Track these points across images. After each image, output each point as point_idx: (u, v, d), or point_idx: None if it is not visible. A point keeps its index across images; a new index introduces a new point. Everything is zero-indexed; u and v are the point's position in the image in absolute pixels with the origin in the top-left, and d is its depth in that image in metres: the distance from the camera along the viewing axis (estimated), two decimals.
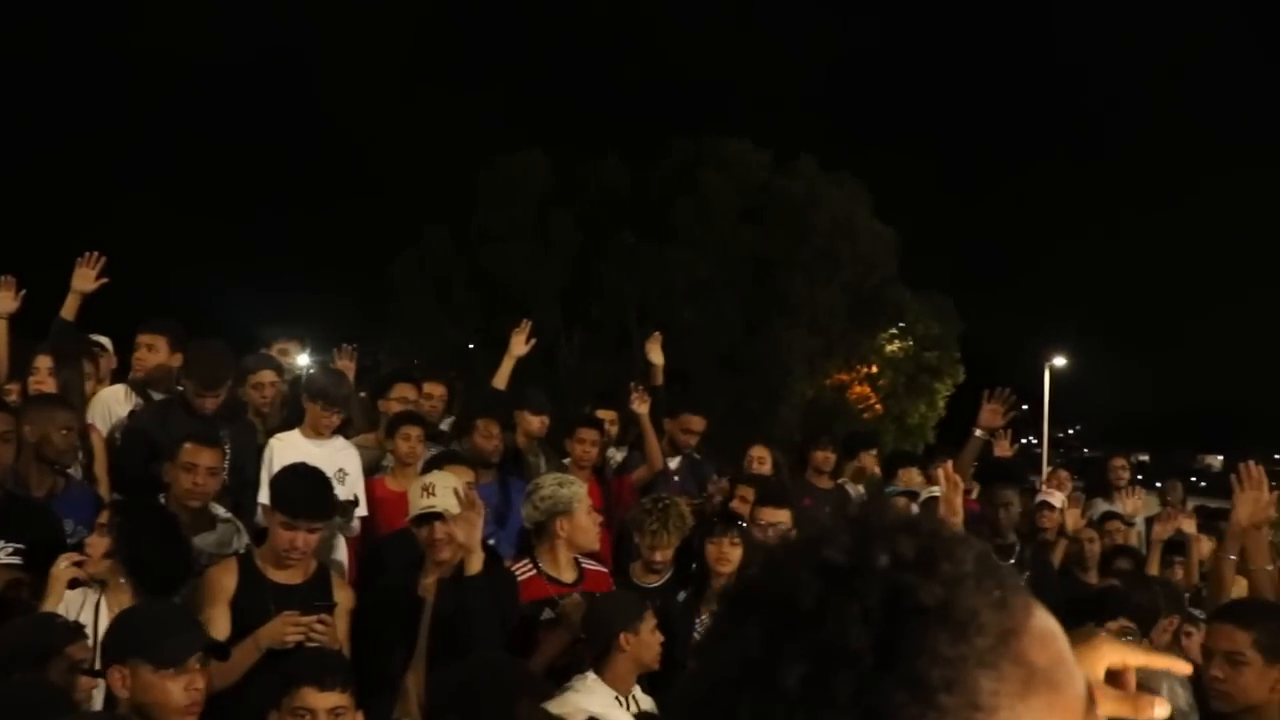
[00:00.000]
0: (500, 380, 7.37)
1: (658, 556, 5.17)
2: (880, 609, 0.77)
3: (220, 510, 5.05)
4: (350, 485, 5.74)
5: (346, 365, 7.24)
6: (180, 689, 3.15)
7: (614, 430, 7.66)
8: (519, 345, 7.48)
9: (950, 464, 5.09)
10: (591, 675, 4.03)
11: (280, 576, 4.31)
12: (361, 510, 5.79)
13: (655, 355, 7.94)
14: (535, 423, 7.15)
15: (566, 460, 6.98)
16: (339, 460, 5.69)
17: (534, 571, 4.82)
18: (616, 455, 7.50)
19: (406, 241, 33.34)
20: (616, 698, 3.99)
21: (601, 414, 7.58)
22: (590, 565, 5.00)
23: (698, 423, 7.62)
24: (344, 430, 6.10)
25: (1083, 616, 4.27)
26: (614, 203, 32.12)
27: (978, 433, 6.80)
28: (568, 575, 4.84)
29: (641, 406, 6.93)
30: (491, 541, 5.52)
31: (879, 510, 0.86)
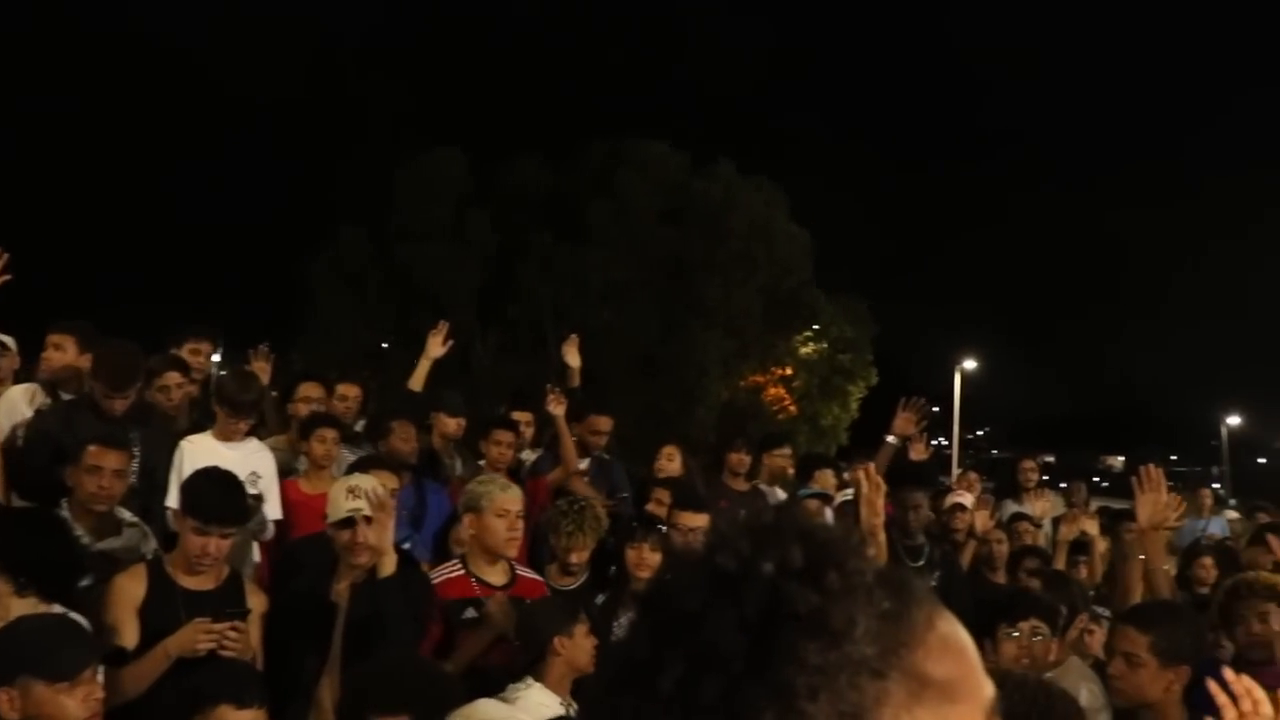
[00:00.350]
0: (416, 382, 7.31)
1: (573, 558, 5.17)
2: (757, 616, 0.78)
3: (126, 514, 4.93)
4: (264, 489, 5.65)
5: (261, 367, 7.13)
6: (77, 702, 3.06)
7: (529, 432, 7.63)
8: (436, 347, 7.42)
9: (871, 466, 5.15)
10: (534, 682, 4.01)
11: (191, 582, 4.23)
12: (275, 514, 5.70)
13: (572, 357, 7.93)
14: (452, 425, 7.12)
15: (482, 462, 6.95)
16: (253, 463, 5.59)
17: (462, 571, 4.79)
18: (531, 457, 7.48)
19: (322, 240, 32.96)
20: (561, 703, 3.99)
21: (517, 416, 7.55)
22: (526, 573, 4.94)
23: (605, 423, 7.62)
24: (256, 432, 6.01)
25: (993, 617, 4.35)
26: (532, 203, 32.08)
27: (891, 438, 6.88)
28: (496, 578, 4.78)
29: (558, 409, 6.91)
30: (407, 545, 5.48)
31: (783, 517, 0.87)
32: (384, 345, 31.79)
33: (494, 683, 4.09)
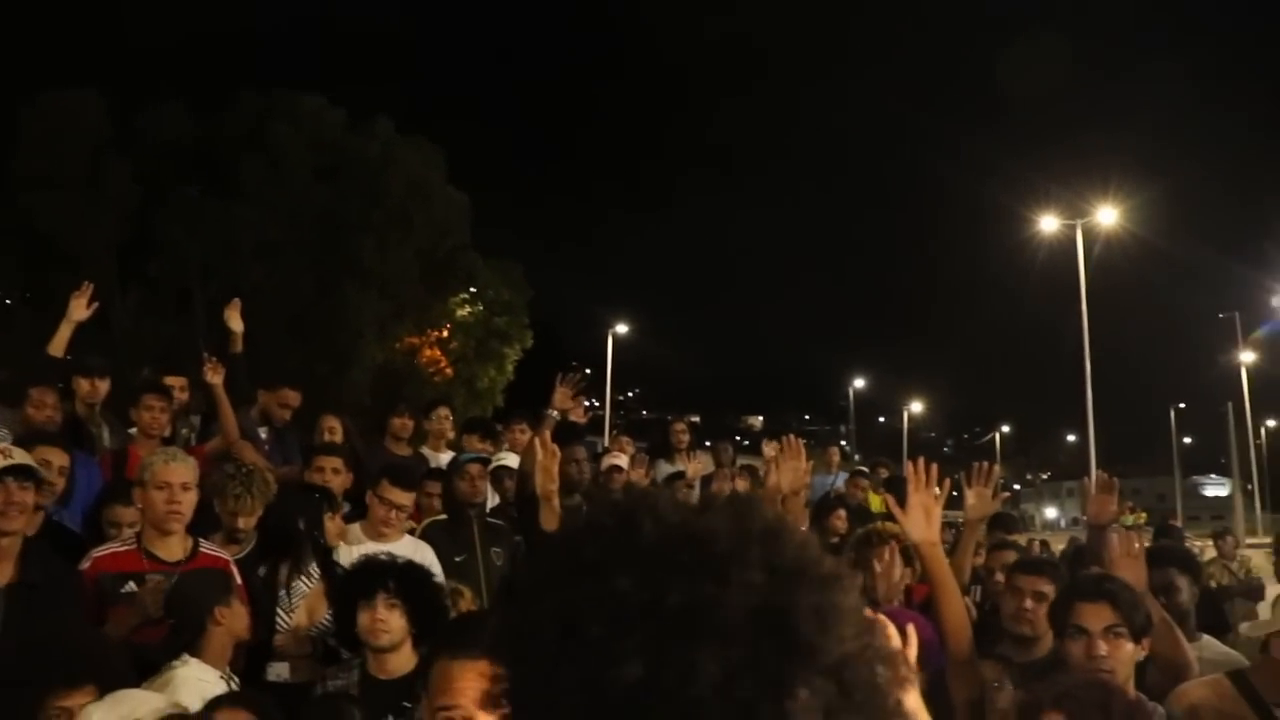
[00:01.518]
0: (56, 347, 6.83)
1: (240, 523, 5.02)
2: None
3: None
4: None
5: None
6: None
7: (184, 397, 7.35)
8: (79, 309, 6.94)
9: (545, 434, 5.28)
10: (190, 659, 3.89)
11: None
12: None
13: (235, 322, 7.65)
14: (87, 387, 6.77)
15: (133, 430, 6.65)
16: None
17: (134, 546, 4.58)
18: (194, 422, 7.24)
19: None
20: (221, 676, 3.90)
21: (170, 380, 7.25)
22: (211, 550, 4.74)
23: (294, 397, 7.53)
24: None
25: None
26: (176, 154, 30.29)
27: (553, 413, 6.96)
28: (171, 553, 4.57)
29: (215, 377, 6.66)
30: (54, 519, 5.19)
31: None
32: (7, 302, 29.35)
33: (149, 661, 3.97)
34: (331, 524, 5.11)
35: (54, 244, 28.03)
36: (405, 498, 5.43)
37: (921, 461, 3.83)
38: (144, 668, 3.85)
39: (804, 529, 5.25)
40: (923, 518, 3.75)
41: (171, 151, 30.28)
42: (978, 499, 4.74)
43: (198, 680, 3.78)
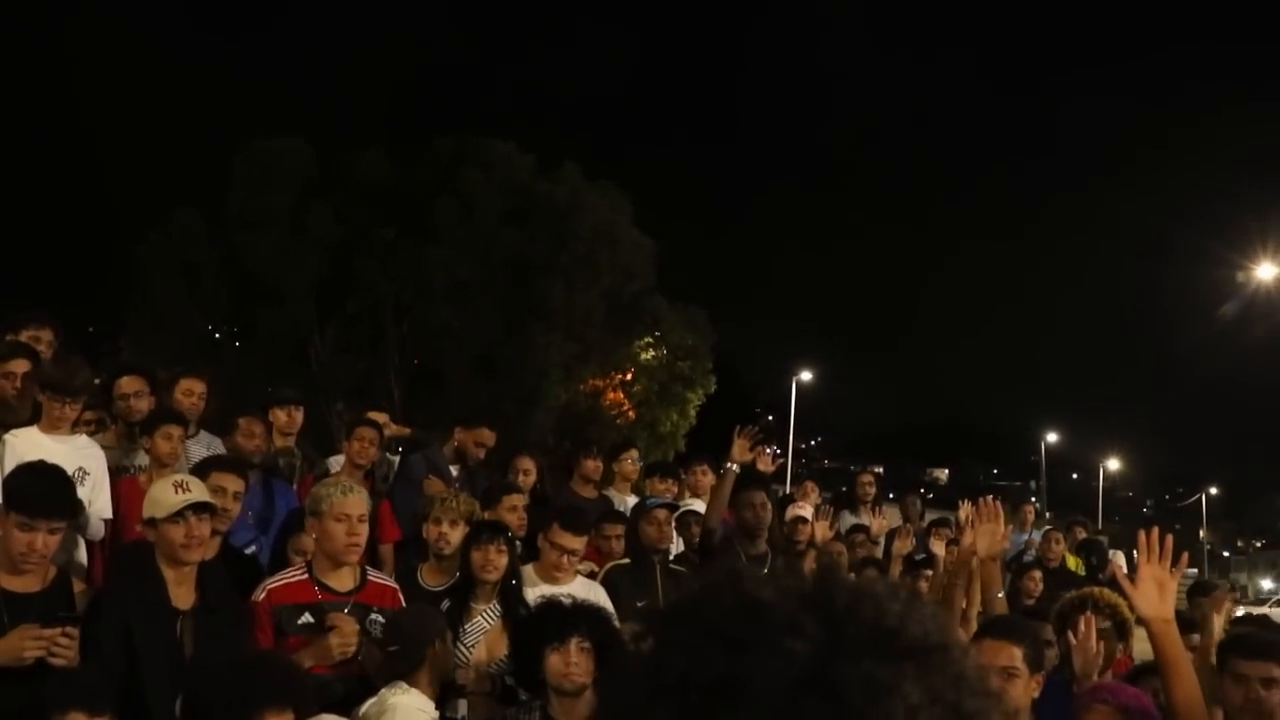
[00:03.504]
0: None
1: (446, 532, 5.08)
2: None
3: None
4: (91, 486, 5.36)
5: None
6: None
7: (388, 432, 7.53)
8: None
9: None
10: (410, 688, 3.93)
11: (14, 584, 3.95)
12: (105, 512, 5.43)
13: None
14: (282, 417, 6.99)
15: (331, 460, 6.81)
16: (81, 459, 5.29)
17: (305, 576, 4.61)
18: (394, 462, 7.43)
19: (156, 223, 31.66)
20: (436, 708, 3.93)
21: (374, 415, 7.48)
22: (378, 578, 4.78)
23: (490, 437, 7.64)
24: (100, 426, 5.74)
25: None
26: (375, 197, 31.41)
27: (733, 466, 6.79)
28: (342, 583, 4.60)
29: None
30: (252, 549, 5.29)
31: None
32: (216, 335, 30.81)
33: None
34: (478, 555, 5.01)
35: (260, 281, 29.35)
36: (576, 542, 5.38)
37: (1156, 531, 3.56)
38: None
39: (1000, 593, 5.02)
40: (1155, 591, 3.45)
41: (370, 195, 31.42)
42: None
43: (418, 710, 3.84)
